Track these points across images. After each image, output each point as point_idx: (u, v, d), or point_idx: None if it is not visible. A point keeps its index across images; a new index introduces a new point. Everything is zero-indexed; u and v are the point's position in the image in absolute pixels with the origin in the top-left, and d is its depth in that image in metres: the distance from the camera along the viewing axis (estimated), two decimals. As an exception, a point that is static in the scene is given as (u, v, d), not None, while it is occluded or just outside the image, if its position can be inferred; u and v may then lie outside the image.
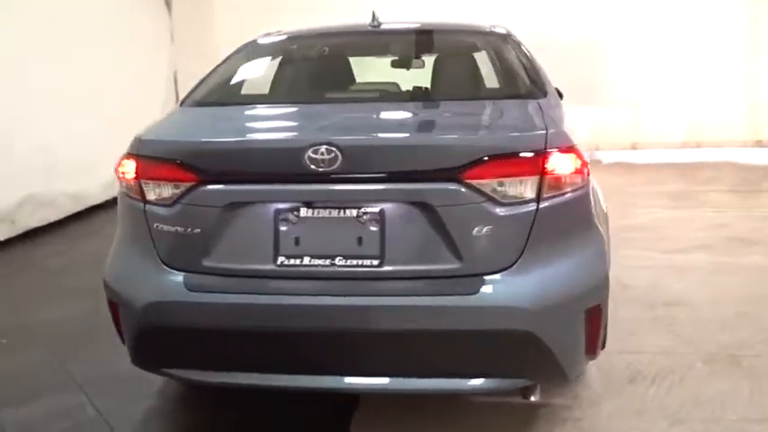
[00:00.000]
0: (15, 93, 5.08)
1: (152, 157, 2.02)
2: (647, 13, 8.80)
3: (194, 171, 1.96)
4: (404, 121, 2.28)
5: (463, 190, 1.86)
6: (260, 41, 2.89)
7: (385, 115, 2.32)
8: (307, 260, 1.93)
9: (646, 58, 8.85)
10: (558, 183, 1.94)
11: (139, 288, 2.04)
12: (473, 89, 2.61)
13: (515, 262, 1.90)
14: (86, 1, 6.27)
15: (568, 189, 1.97)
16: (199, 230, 1.97)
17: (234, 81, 2.58)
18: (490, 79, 2.68)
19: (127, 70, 6.70)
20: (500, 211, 1.88)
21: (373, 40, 2.95)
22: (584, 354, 2.11)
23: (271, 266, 1.94)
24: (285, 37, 2.91)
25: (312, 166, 1.87)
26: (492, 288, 1.88)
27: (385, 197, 1.90)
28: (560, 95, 4.18)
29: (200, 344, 2.03)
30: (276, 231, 1.94)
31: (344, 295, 1.90)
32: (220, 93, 2.49)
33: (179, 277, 2.00)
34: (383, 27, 2.91)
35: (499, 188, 1.88)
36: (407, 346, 1.92)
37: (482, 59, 2.79)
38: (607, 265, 2.09)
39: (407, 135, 2.08)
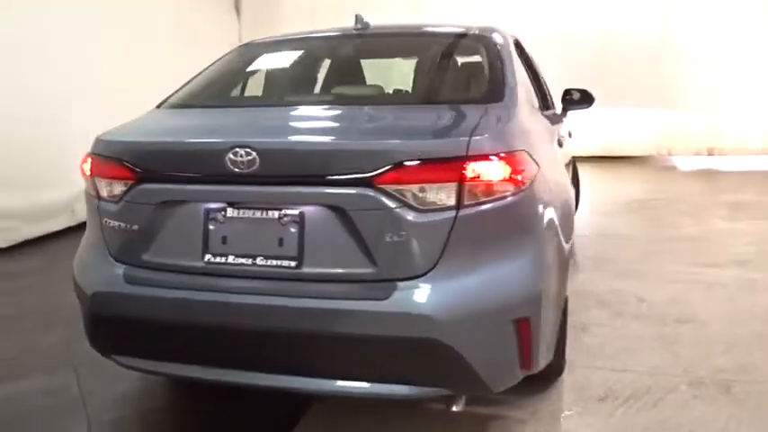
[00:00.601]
0: (86, 88, 5.46)
1: (103, 155, 2.15)
2: (727, 11, 8.27)
3: (134, 170, 2.07)
4: (330, 125, 2.29)
5: (377, 195, 1.85)
6: (244, 47, 2.98)
7: (315, 119, 2.34)
8: (231, 258, 1.99)
9: (725, 61, 8.33)
10: (481, 190, 1.90)
11: (90, 279, 2.18)
12: (426, 93, 2.57)
13: (431, 270, 1.88)
14: (157, 5, 6.65)
15: (495, 197, 1.92)
16: (137, 227, 2.08)
17: (207, 85, 2.69)
18: (450, 83, 2.64)
19: (195, 72, 7.03)
20: (416, 217, 1.86)
21: (349, 44, 2.97)
22: (519, 367, 2.05)
23: (199, 263, 2.02)
24: (270, 41, 2.99)
25: (233, 168, 1.93)
26: (403, 295, 1.86)
27: (303, 200, 1.93)
28: (588, 99, 4.06)
29: (140, 334, 2.14)
30: (205, 230, 2.02)
31: (263, 294, 1.94)
32: (190, 96, 2.60)
33: (121, 270, 2.12)
34: (367, 31, 2.93)
35: (415, 194, 1.86)
36: (323, 348, 1.94)
37: (452, 63, 2.75)
38: (542, 277, 2.02)
39: (324, 139, 2.09)
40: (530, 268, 2.00)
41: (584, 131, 8.91)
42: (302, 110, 2.45)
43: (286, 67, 2.84)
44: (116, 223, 2.12)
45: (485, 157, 1.90)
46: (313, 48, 2.94)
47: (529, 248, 2.02)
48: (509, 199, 1.95)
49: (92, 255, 2.23)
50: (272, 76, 2.78)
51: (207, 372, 2.09)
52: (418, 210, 1.86)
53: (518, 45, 3.42)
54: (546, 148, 2.50)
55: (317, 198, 1.91)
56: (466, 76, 2.60)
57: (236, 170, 1.93)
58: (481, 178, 1.89)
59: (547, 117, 3.01)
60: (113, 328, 2.15)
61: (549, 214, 2.20)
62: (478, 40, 2.72)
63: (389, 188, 1.86)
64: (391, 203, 1.85)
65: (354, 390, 1.98)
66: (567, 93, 4.30)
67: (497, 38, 2.75)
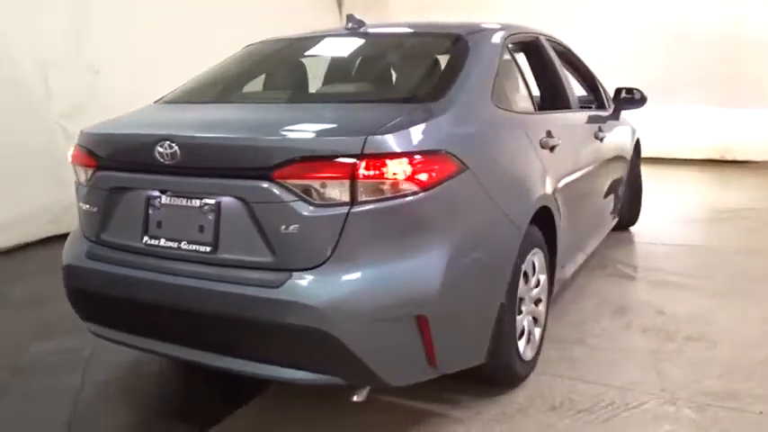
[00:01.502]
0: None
1: (80, 145, 2.44)
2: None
3: (95, 158, 2.35)
4: (248, 122, 2.38)
5: (275, 189, 1.96)
6: (249, 47, 3.18)
7: (241, 116, 2.46)
8: (163, 242, 2.20)
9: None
10: (376, 189, 1.94)
11: (66, 253, 2.48)
12: (361, 92, 2.59)
13: (323, 263, 1.96)
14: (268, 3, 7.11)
15: (392, 196, 1.96)
16: (97, 209, 2.35)
17: (196, 83, 2.90)
18: (395, 82, 2.65)
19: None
20: (311, 211, 1.95)
21: (327, 44, 3.05)
22: (427, 364, 2.08)
23: (140, 244, 2.24)
24: (268, 42, 3.15)
25: (161, 159, 2.13)
26: (294, 284, 1.96)
27: (218, 191, 2.08)
28: (639, 100, 3.86)
29: (98, 305, 2.41)
30: (146, 215, 2.23)
31: (185, 276, 2.12)
32: (178, 93, 2.83)
33: (86, 247, 2.40)
34: (355, 32, 3.01)
35: (310, 189, 1.95)
36: (231, 329, 2.09)
37: (411, 63, 2.75)
38: (445, 279, 2.01)
39: (232, 134, 2.20)
40: (429, 268, 2.01)
41: (693, 133, 8.36)
42: (237, 107, 2.60)
43: (254, 67, 2.98)
44: (85, 205, 2.41)
45: (381, 156, 1.94)
46: (291, 48, 3.07)
47: (431, 249, 2.02)
48: (409, 198, 1.97)
49: (73, 232, 2.54)
50: (236, 75, 2.93)
51: (149, 343, 2.32)
52: (313, 204, 1.95)
53: (532, 45, 3.35)
54: (506, 151, 2.47)
55: (228, 189, 2.06)
56: (418, 75, 2.61)
57: (164, 161, 2.13)
58: (376, 177, 1.94)
59: (545, 118, 2.94)
60: (80, 297, 2.44)
61: (476, 216, 2.18)
62: (453, 41, 2.71)
63: (286, 182, 1.96)
64: (288, 197, 1.96)
65: (258, 371, 2.10)
66: (618, 92, 4.12)
67: (476, 38, 2.72)
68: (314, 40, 3.07)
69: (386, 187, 1.96)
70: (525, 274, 2.57)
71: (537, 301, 2.78)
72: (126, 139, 2.32)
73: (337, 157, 1.94)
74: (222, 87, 2.81)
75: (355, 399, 2.12)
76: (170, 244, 2.18)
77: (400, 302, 1.98)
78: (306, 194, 1.95)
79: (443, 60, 2.60)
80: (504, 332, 2.40)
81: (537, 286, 2.74)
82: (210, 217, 2.10)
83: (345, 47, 3.00)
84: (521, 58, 3.44)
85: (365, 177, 1.93)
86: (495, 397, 2.56)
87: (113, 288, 2.29)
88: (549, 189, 2.75)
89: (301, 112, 2.46)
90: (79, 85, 5.38)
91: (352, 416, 2.46)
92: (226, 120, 2.44)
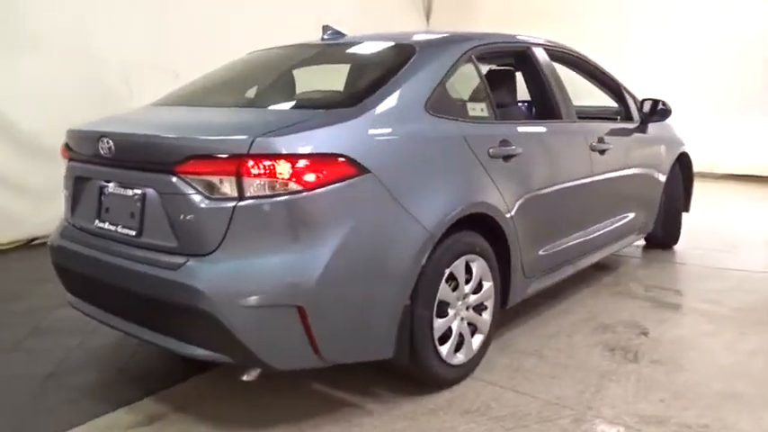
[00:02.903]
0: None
1: (66, 140, 2.84)
2: None
3: (69, 151, 2.73)
4: (174, 122, 2.61)
5: (177, 182, 2.21)
6: (246, 55, 3.46)
7: (174, 117, 2.70)
8: (107, 225, 2.52)
9: None
10: (260, 186, 2.13)
11: (52, 233, 2.89)
12: (286, 98, 2.75)
13: (214, 250, 2.17)
14: (347, 13, 7.45)
15: (275, 193, 2.13)
16: (68, 195, 2.73)
17: (185, 88, 3.21)
18: (338, 89, 2.78)
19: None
20: (205, 204, 2.17)
21: (294, 54, 3.22)
22: (312, 351, 2.23)
23: (92, 227, 2.59)
24: (258, 51, 3.41)
25: (102, 153, 2.45)
26: (188, 268, 2.19)
27: (142, 182, 2.36)
28: (662, 112, 3.74)
29: (69, 279, 2.78)
30: (99, 201, 2.57)
31: (117, 256, 2.43)
32: (166, 96, 3.16)
33: (62, 227, 2.79)
34: (326, 42, 3.20)
35: (206, 183, 2.18)
36: (144, 305, 2.36)
37: (354, 72, 2.86)
38: (324, 273, 2.15)
39: (149, 132, 2.45)
40: (310, 262, 2.16)
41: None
42: (191, 110, 2.83)
43: (231, 73, 3.24)
44: (64, 192, 2.80)
45: (266, 157, 2.13)
46: (268, 57, 3.28)
47: (314, 244, 2.17)
48: (292, 197, 2.14)
49: (62, 217, 2.95)
50: (216, 80, 3.19)
51: (101, 315, 2.64)
52: (207, 197, 2.17)
53: (521, 56, 3.37)
54: (428, 157, 2.55)
55: (148, 181, 2.33)
56: (352, 83, 2.73)
57: (105, 155, 2.45)
58: (260, 175, 2.13)
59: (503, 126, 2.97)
60: (58, 271, 2.83)
61: (372, 218, 2.29)
62: (403, 51, 2.81)
63: (186, 177, 2.20)
64: (187, 189, 2.19)
65: (167, 344, 2.35)
66: (642, 104, 4.01)
67: (425, 49, 2.81)
68: (288, 49, 3.29)
69: (270, 185, 2.14)
70: (452, 279, 2.63)
71: (478, 308, 2.81)
72: (82, 135, 2.66)
73: (226, 155, 2.15)
74: (199, 91, 3.10)
75: (245, 378, 2.31)
76: (111, 227, 2.50)
77: (279, 291, 2.15)
78: (201, 188, 2.18)
79: (386, 69, 2.71)
80: (416, 333, 2.48)
81: (476, 292, 2.78)
82: (138, 205, 2.38)
83: (305, 56, 3.19)
84: (510, 67, 3.48)
85: (250, 175, 2.13)
86: (417, 396, 2.64)
87: (74, 264, 2.65)
88: (492, 197, 2.78)
89: (225, 114, 2.69)
90: (159, 87, 5.98)
91: (268, 396, 2.65)
92: (162, 120, 2.72)
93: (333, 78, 2.89)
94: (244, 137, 2.16)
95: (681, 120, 5.98)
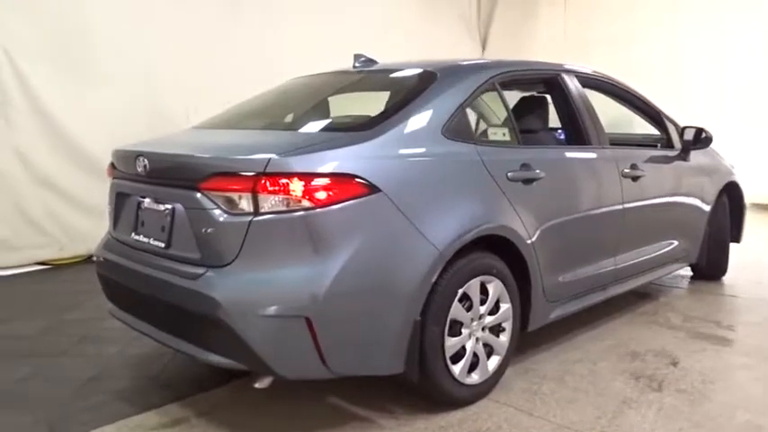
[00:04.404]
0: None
1: (111, 159, 3.07)
2: None
3: (113, 169, 2.96)
4: (204, 142, 2.79)
5: (201, 198, 2.37)
6: (282, 83, 3.65)
7: (206, 139, 2.87)
8: (142, 237, 2.71)
9: None
10: (277, 202, 2.27)
11: (96, 245, 3.11)
12: (315, 122, 2.88)
13: (231, 262, 2.31)
14: (410, 36, 7.65)
15: (287, 209, 2.26)
16: (112, 209, 2.95)
17: (227, 111, 3.41)
18: (353, 114, 2.89)
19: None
20: (224, 218, 2.32)
21: (331, 81, 3.38)
22: (320, 362, 2.33)
23: (130, 239, 2.79)
24: (300, 77, 3.58)
25: (139, 170, 2.66)
26: (206, 278, 2.34)
27: (172, 198, 2.54)
28: (703, 140, 3.72)
29: (109, 287, 2.99)
30: (136, 215, 2.77)
31: (147, 266, 2.61)
32: (208, 119, 3.37)
33: (107, 239, 3.01)
34: (359, 69, 3.35)
35: (225, 199, 2.33)
36: (171, 313, 2.52)
37: (378, 98, 2.97)
38: (330, 287, 2.25)
39: (179, 152, 2.63)
40: (318, 276, 2.27)
41: None
42: (225, 132, 3.00)
43: (271, 98, 3.40)
44: (108, 206, 3.02)
45: (280, 175, 2.27)
46: (305, 83, 3.45)
47: (324, 259, 2.28)
48: (304, 213, 2.26)
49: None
50: (257, 105, 3.37)
51: (137, 323, 2.82)
52: (226, 212, 2.32)
53: (549, 83, 3.43)
54: (444, 178, 2.63)
55: (177, 197, 2.51)
56: (375, 108, 2.83)
57: (141, 172, 2.65)
58: (275, 192, 2.27)
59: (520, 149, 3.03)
60: (101, 281, 3.04)
61: (382, 235, 2.38)
62: (425, 77, 2.92)
63: (209, 193, 2.36)
64: (209, 205, 2.35)
65: (189, 351, 2.49)
66: (682, 132, 3.99)
67: (447, 75, 2.91)
68: (323, 77, 3.45)
69: (284, 202, 2.27)
70: (467, 299, 2.68)
71: (495, 329, 2.84)
72: (123, 154, 2.88)
73: (244, 173, 2.30)
74: (237, 115, 3.30)
75: (257, 385, 2.42)
76: (145, 240, 2.69)
77: (288, 302, 2.26)
78: (222, 203, 2.34)
79: (406, 94, 2.82)
80: (426, 349, 2.54)
81: (493, 314, 2.82)
82: (168, 219, 2.56)
83: (338, 83, 3.33)
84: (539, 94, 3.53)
85: (265, 191, 2.27)
86: (431, 414, 2.68)
87: (114, 273, 2.85)
88: (510, 220, 2.83)
89: (254, 136, 2.86)
90: (212, 114, 6.31)
91: (286, 407, 2.75)
92: (195, 141, 2.90)
93: (362, 104, 3.01)
94: (261, 156, 2.30)
95: (735, 150, 5.84)
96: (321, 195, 2.28)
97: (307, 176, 2.28)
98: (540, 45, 9.27)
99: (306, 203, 2.27)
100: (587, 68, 3.76)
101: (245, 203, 2.30)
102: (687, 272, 4.68)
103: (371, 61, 3.42)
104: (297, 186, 2.27)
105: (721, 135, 4.46)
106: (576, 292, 3.34)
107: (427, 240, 2.48)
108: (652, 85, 4.31)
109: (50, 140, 5.32)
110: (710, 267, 4.61)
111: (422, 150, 2.61)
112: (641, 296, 4.27)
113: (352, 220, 2.34)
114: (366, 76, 3.30)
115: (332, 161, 2.35)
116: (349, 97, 3.13)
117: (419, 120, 2.66)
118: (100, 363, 3.29)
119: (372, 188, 2.37)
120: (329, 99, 3.12)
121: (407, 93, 2.81)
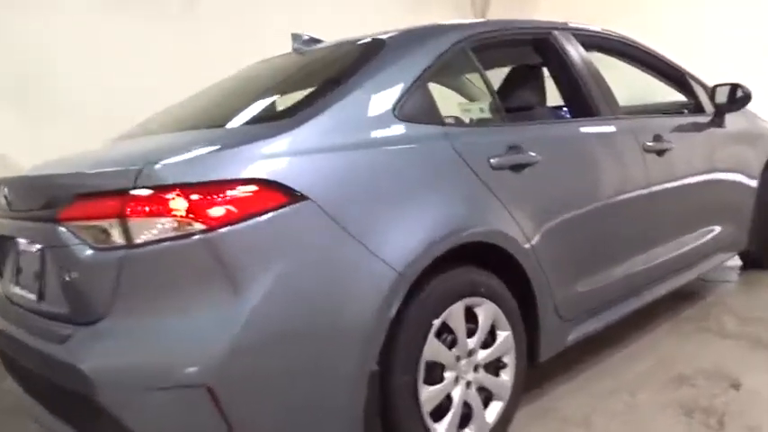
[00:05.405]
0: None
1: None
2: None
3: None
4: (93, 156, 2.12)
5: (60, 231, 1.72)
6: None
7: (114, 150, 2.21)
8: (18, 289, 2.07)
9: None
10: (155, 227, 1.62)
11: None
12: (236, 114, 2.14)
13: (103, 316, 1.66)
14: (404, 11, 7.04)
15: (174, 236, 1.61)
16: None
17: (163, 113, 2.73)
18: (282, 100, 2.20)
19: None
20: (91, 257, 1.67)
21: (271, 67, 2.69)
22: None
23: (11, 293, 2.15)
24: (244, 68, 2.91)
25: (2, 203, 2.03)
26: (74, 341, 1.68)
27: (39, 235, 1.90)
28: (739, 99, 3.01)
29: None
30: (16, 262, 2.13)
31: (20, 327, 1.97)
32: (133, 127, 2.69)
33: None
34: (298, 51, 2.69)
35: (90, 231, 1.68)
36: (42, 388, 1.89)
37: (316, 79, 2.29)
38: (237, 338, 1.59)
39: (44, 173, 1.98)
40: (218, 326, 1.60)
41: None
42: (131, 141, 2.33)
43: (201, 96, 2.72)
44: None
45: (157, 190, 1.61)
46: (238, 75, 2.77)
47: (224, 302, 1.61)
48: (192, 240, 1.61)
49: None
50: (186, 104, 2.69)
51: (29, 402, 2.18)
52: (93, 248, 1.67)
53: (541, 45, 2.75)
54: (401, 173, 1.95)
55: (41, 233, 1.87)
56: (302, 92, 2.16)
57: (4, 205, 2.03)
58: (150, 214, 1.61)
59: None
60: None
61: (311, 259, 1.72)
62: (372, 48, 2.24)
63: (70, 224, 1.71)
64: (71, 240, 1.70)
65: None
66: (713, 92, 3.28)
67: (398, 42, 2.25)
68: (258, 65, 2.80)
69: (165, 226, 1.61)
70: (448, 332, 2.00)
71: (493, 367, 2.15)
72: None
73: (110, 192, 1.66)
74: (174, 115, 2.59)
75: None
76: (21, 292, 2.06)
77: (180, 367, 1.60)
78: (87, 237, 1.69)
79: (342, 71, 2.16)
80: (392, 409, 1.86)
81: (488, 346, 2.13)
82: (39, 263, 1.93)
83: (277, 68, 2.66)
84: (528, 60, 2.85)
85: (137, 215, 1.61)
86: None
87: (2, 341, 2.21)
88: (498, 220, 2.14)
89: (161, 141, 2.14)
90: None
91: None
92: (87, 156, 2.17)
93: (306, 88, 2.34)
94: (134, 167, 1.65)
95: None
96: (216, 212, 1.62)
97: (191, 188, 1.63)
98: (544, 14, 8.56)
99: (197, 225, 1.61)
100: (589, 26, 3.06)
101: (116, 233, 1.64)
102: (736, 261, 3.91)
103: (315, 41, 2.77)
104: (179, 203, 1.61)
105: (759, 94, 3.69)
106: (600, 304, 2.63)
107: (378, 259, 1.80)
108: (671, 52, 3.70)
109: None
110: (763, 254, 3.83)
111: (365, 138, 1.94)
112: (684, 297, 3.52)
113: (265, 243, 1.67)
114: (305, 56, 2.64)
115: (230, 164, 1.69)
116: (288, 81, 2.45)
117: (359, 100, 1.99)
118: None
119: (293, 195, 1.71)
120: (268, 87, 2.42)
121: (345, 68, 2.15)
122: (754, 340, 2.90)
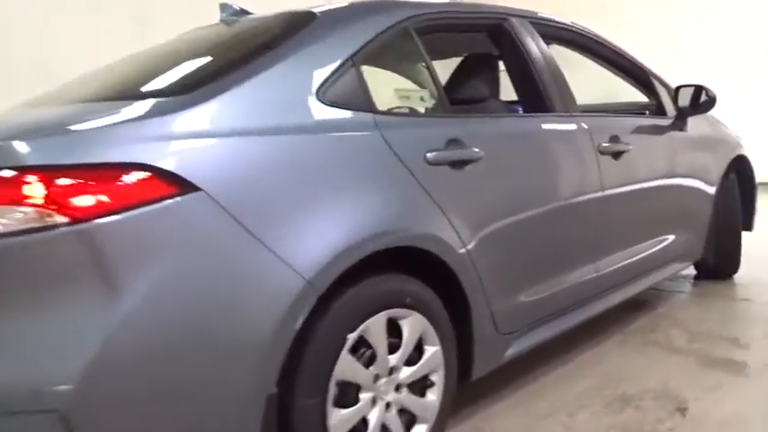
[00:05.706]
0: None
1: None
2: None
3: None
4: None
5: None
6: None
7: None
8: None
9: None
10: (10, 219, 1.34)
11: None
12: (152, 88, 1.87)
13: None
14: None
15: (29, 229, 1.34)
16: None
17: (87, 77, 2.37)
18: (194, 73, 1.92)
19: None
20: None
21: (184, 39, 2.41)
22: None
23: None
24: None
25: None
26: None
27: None
28: (704, 103, 2.84)
29: None
30: None
31: None
32: (56, 90, 2.34)
33: None
34: (227, 21, 2.41)
35: None
36: None
37: (238, 50, 2.00)
38: (91, 352, 1.32)
39: None
40: (73, 338, 1.34)
41: None
42: (37, 110, 2.02)
43: (132, 62, 2.40)
44: None
45: (14, 172, 1.34)
46: (168, 44, 2.47)
47: (86, 309, 1.35)
48: (53, 233, 1.34)
49: None
50: (115, 71, 2.36)
51: None
52: None
53: (494, 30, 2.52)
54: (315, 164, 1.70)
55: None
56: (215, 66, 1.90)
57: None
58: (2, 202, 1.34)
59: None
60: None
61: (199, 262, 1.47)
62: (296, 21, 1.97)
63: None
64: None
65: None
66: (676, 93, 3.10)
67: (330, 17, 2.00)
68: (184, 35, 2.49)
69: (19, 217, 1.34)
70: (366, 347, 1.77)
71: (418, 386, 1.93)
72: None
73: None
74: (96, 81, 2.24)
75: None
76: None
77: (28, 388, 1.33)
78: None
79: (259, 44, 1.89)
80: (295, 433, 1.62)
81: (413, 363, 1.90)
82: None
83: (191, 40, 2.35)
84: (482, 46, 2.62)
85: (-9, 200, 1.34)
86: None
87: None
88: (430, 222, 1.91)
89: (54, 113, 1.82)
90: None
91: None
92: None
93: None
94: None
95: (741, 120, 4.95)
96: (83, 202, 1.35)
97: (58, 172, 1.35)
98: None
99: (57, 217, 1.34)
100: (550, 16, 2.84)
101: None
102: (690, 270, 3.77)
103: (244, 12, 2.50)
104: (36, 189, 1.34)
105: (722, 101, 3.53)
106: (543, 316, 2.43)
107: (283, 263, 1.55)
108: (640, 52, 3.56)
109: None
110: (719, 264, 3.69)
111: (278, 123, 1.68)
112: (634, 307, 3.35)
113: (143, 241, 1.41)
114: (231, 27, 2.36)
115: (109, 145, 1.42)
116: (205, 52, 2.15)
117: (275, 77, 1.73)
118: None
119: (183, 185, 1.45)
120: (182, 58, 2.11)
121: (266, 41, 1.88)
122: (703, 357, 2.74)
